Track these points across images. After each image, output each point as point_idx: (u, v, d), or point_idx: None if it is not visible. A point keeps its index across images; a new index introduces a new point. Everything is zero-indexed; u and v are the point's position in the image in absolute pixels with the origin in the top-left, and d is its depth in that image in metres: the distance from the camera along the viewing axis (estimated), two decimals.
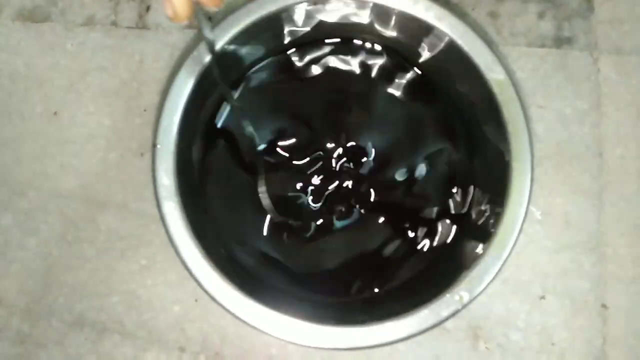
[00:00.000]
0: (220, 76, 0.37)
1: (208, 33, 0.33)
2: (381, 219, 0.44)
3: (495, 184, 0.40)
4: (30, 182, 0.45)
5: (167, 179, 0.36)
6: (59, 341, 0.43)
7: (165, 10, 0.29)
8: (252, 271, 0.41)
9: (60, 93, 0.46)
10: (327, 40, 0.45)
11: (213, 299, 0.35)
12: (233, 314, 0.35)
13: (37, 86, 0.46)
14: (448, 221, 0.43)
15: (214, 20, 0.38)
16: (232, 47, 0.40)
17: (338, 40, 0.45)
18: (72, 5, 0.47)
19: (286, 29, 0.42)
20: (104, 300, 0.43)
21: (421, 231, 0.43)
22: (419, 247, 0.43)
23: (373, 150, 0.44)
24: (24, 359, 0.43)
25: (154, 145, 0.37)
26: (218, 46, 0.38)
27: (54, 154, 0.45)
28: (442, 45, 0.40)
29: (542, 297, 0.43)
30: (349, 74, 0.45)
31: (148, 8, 0.46)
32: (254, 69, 0.45)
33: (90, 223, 0.44)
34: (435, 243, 0.43)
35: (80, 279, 0.43)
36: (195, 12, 0.29)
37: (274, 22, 0.41)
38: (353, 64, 0.45)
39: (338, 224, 0.44)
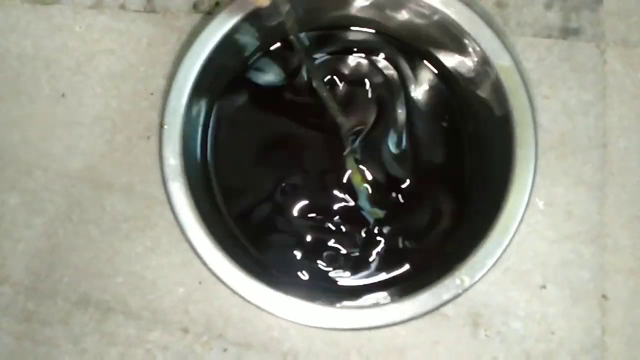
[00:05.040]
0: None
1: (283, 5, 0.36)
2: None
3: (495, 177, 0.40)
4: (37, 163, 0.45)
5: (173, 160, 0.37)
6: (64, 320, 0.43)
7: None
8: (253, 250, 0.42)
9: (67, 75, 0.46)
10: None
11: (218, 278, 0.36)
12: (237, 294, 0.36)
13: (45, 68, 0.46)
14: None
15: None
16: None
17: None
18: None
19: None
20: (109, 281, 0.44)
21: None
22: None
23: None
24: (29, 336, 0.43)
25: (161, 126, 0.38)
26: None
27: (61, 135, 0.45)
28: (452, 34, 0.40)
29: (543, 287, 0.44)
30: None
31: None
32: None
33: (96, 204, 0.44)
34: None
35: (85, 259, 0.44)
36: None
37: None
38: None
39: None
